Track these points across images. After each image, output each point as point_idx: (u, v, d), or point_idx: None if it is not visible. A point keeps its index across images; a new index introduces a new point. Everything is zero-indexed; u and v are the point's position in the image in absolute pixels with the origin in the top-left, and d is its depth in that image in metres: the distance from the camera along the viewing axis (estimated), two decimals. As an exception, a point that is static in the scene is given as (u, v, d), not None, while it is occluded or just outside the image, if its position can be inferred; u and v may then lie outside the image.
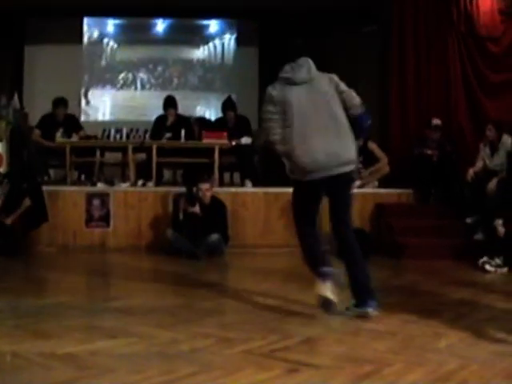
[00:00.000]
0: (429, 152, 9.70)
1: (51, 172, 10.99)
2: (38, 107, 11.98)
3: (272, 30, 13.61)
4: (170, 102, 10.38)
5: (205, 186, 8.67)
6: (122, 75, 14.33)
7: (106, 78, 14.32)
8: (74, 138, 9.86)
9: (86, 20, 14.12)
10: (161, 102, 10.64)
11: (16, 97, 10.86)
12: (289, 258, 8.74)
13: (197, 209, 8.55)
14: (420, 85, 10.59)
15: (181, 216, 8.63)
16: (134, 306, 5.26)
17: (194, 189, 8.67)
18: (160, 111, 10.66)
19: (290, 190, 9.33)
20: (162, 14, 13.95)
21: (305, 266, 5.09)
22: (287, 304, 5.32)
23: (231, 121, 10.39)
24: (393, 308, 5.07)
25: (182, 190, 9.12)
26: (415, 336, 4.30)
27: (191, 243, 8.36)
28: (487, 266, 7.42)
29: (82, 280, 7.06)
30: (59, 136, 9.78)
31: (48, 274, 7.28)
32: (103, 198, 9.24)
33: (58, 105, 10.34)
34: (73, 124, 10.36)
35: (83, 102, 14.01)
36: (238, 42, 14.30)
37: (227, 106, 10.56)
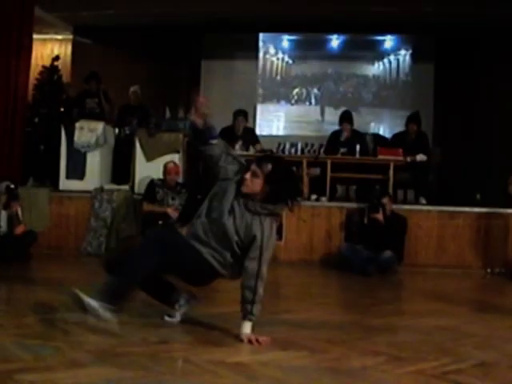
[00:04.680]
0: None
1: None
2: (213, 120, 12.27)
3: (449, 46, 13.35)
4: (346, 117, 10.36)
5: (385, 199, 8.67)
6: (296, 90, 14.46)
7: (281, 92, 14.50)
8: (251, 151, 10.01)
9: (261, 36, 14.38)
10: (334, 118, 10.65)
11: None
12: (461, 280, 8.54)
13: (380, 216, 8.51)
14: None
15: (365, 220, 8.63)
16: (304, 319, 5.26)
17: (376, 201, 8.66)
18: (333, 127, 10.65)
19: (465, 209, 9.21)
20: (337, 30, 13.99)
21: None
22: (460, 326, 5.16)
23: (412, 136, 10.22)
24: None
25: (355, 205, 9.13)
26: None
27: (368, 251, 8.37)
28: None
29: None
30: (238, 149, 9.98)
31: (219, 285, 7.41)
32: (276, 211, 9.30)
33: (238, 116, 10.53)
34: (250, 137, 10.54)
35: (258, 116, 14.26)
36: (414, 57, 14.10)
37: (412, 119, 10.38)
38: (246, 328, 4.33)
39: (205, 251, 4.36)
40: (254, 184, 4.32)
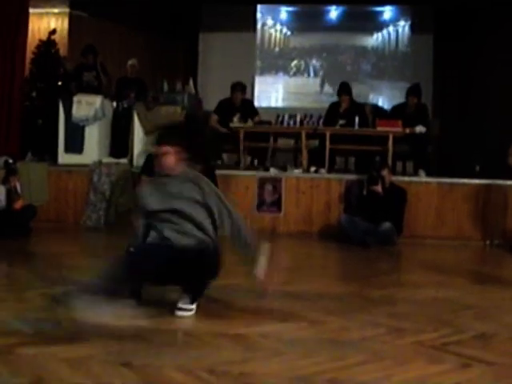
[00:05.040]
0: None
1: (224, 156, 11.19)
2: (211, 93, 12.28)
3: (448, 17, 13.26)
4: (344, 88, 10.29)
5: (384, 171, 8.64)
6: (294, 62, 14.43)
7: (279, 64, 14.46)
8: (250, 124, 9.99)
9: (259, 7, 14.31)
10: (333, 90, 10.61)
11: (191, 82, 11.12)
12: (460, 251, 8.55)
13: (379, 187, 8.48)
14: None
15: (364, 192, 8.62)
16: (303, 291, 5.27)
17: (375, 173, 8.64)
18: (332, 99, 10.61)
19: (465, 181, 9.19)
20: (335, 1, 13.90)
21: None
22: (459, 297, 5.18)
23: (411, 108, 10.17)
24: None
25: (354, 177, 9.13)
26: None
27: (368, 223, 8.38)
28: None
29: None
30: (236, 121, 9.96)
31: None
32: (275, 183, 9.33)
33: (235, 89, 10.48)
34: (249, 109, 10.51)
35: (256, 88, 14.21)
36: (413, 28, 14.03)
37: (412, 92, 10.32)
38: (262, 261, 4.39)
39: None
40: (169, 161, 4.39)
